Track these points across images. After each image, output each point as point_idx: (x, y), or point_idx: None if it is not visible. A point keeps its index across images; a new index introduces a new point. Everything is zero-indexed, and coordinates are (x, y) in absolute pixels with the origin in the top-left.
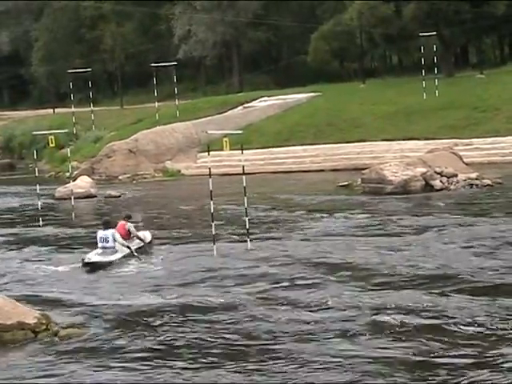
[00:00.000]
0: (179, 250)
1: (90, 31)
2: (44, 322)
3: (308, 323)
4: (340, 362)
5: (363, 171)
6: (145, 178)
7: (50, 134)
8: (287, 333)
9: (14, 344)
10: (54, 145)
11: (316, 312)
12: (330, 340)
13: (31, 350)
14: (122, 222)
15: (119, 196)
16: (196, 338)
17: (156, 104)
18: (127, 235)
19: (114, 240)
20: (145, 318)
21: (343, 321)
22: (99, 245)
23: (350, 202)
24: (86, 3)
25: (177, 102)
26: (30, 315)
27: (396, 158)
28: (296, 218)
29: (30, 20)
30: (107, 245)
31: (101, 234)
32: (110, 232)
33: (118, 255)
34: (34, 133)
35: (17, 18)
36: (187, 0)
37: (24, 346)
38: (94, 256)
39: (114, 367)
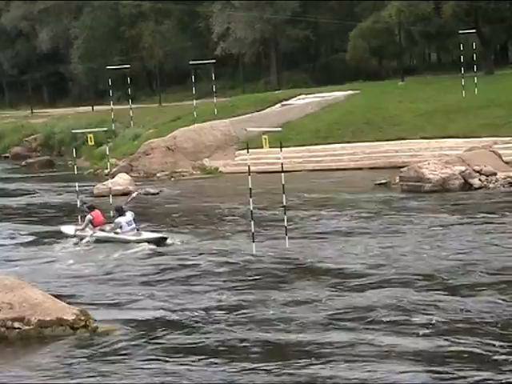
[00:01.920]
0: (218, 247)
1: (129, 29)
2: (83, 318)
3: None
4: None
5: (401, 169)
6: (183, 176)
7: (90, 133)
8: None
9: (53, 340)
10: (92, 143)
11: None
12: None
13: (70, 345)
14: (96, 211)
15: (157, 193)
16: (236, 338)
17: (194, 102)
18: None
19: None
20: (186, 316)
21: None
22: (128, 228)
23: (387, 201)
24: (126, 1)
25: (215, 100)
26: (69, 311)
27: (435, 157)
28: (333, 216)
29: (69, 18)
30: (135, 225)
31: (124, 219)
32: (130, 214)
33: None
34: (73, 131)
35: (57, 16)
36: None
37: (63, 342)
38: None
39: (152, 365)
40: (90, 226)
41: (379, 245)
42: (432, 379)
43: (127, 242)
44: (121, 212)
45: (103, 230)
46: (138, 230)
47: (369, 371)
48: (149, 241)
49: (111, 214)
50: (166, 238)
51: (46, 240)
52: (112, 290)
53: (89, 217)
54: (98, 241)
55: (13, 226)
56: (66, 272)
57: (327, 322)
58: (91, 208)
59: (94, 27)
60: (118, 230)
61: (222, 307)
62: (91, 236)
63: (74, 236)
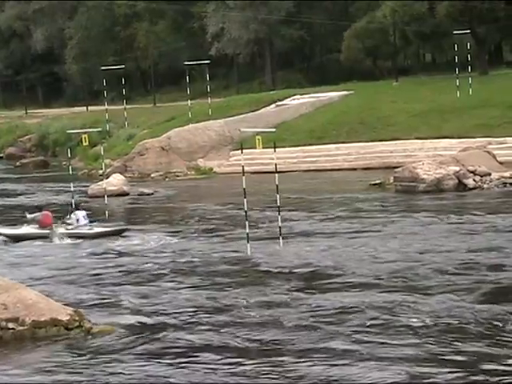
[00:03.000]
0: (212, 248)
1: (123, 29)
2: (77, 318)
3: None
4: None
5: (396, 170)
6: (177, 176)
7: (84, 133)
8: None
9: (48, 340)
10: (87, 143)
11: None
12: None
13: (64, 346)
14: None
15: (151, 194)
16: (231, 337)
17: (189, 102)
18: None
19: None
20: (179, 316)
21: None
22: (85, 221)
23: (382, 201)
24: (120, 2)
25: (209, 100)
26: (63, 312)
27: (429, 157)
28: (328, 217)
29: (64, 18)
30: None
31: (81, 213)
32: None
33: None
34: (69, 131)
35: (51, 16)
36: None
37: (57, 343)
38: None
39: (145, 366)
40: (36, 225)
41: (372, 245)
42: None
43: (89, 236)
44: (77, 207)
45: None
46: (91, 225)
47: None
48: (109, 234)
49: (106, 214)
50: (124, 230)
51: (38, 241)
52: (104, 290)
53: (37, 215)
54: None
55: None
56: (60, 272)
57: (316, 323)
58: (40, 209)
59: (89, 27)
60: (75, 223)
61: (216, 307)
62: (54, 233)
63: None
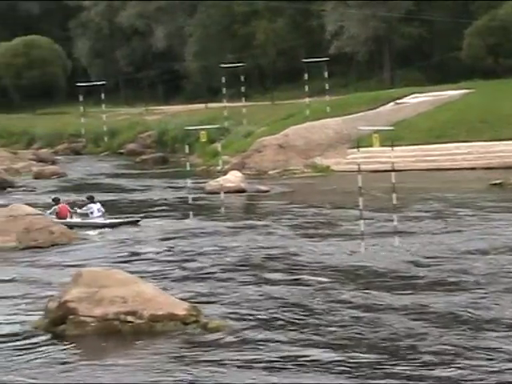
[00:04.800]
0: (325, 246)
1: (242, 27)
2: (194, 313)
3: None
4: None
5: None
6: (294, 174)
7: (202, 129)
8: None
9: (165, 334)
10: (205, 139)
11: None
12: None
13: (181, 341)
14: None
15: (268, 191)
16: (348, 337)
17: (307, 99)
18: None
19: None
20: (296, 314)
21: None
22: (98, 214)
23: (502, 201)
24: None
25: (327, 98)
26: (180, 306)
27: None
28: (445, 216)
29: (184, 16)
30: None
31: (95, 206)
32: (99, 204)
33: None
34: (187, 128)
35: (171, 14)
36: None
37: (174, 337)
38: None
39: (260, 364)
40: (54, 216)
41: (494, 245)
42: None
43: (103, 226)
44: (92, 200)
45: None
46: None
47: None
48: (123, 224)
49: (222, 210)
50: (138, 221)
51: (158, 234)
52: (216, 285)
53: (55, 208)
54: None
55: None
56: (178, 266)
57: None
58: (57, 201)
59: (208, 25)
60: (90, 215)
61: (333, 307)
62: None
63: None
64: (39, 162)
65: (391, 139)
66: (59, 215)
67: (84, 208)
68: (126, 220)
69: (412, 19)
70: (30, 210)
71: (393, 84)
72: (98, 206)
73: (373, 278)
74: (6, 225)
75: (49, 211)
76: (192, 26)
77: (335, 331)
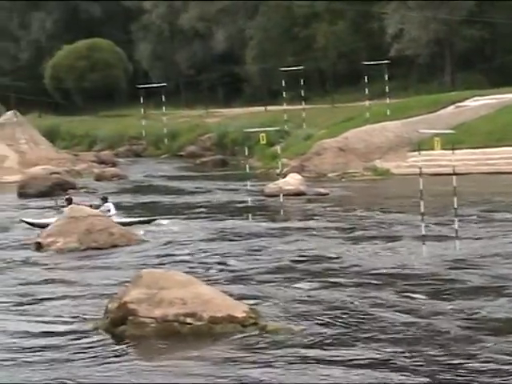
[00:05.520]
0: (385, 249)
1: (303, 29)
2: (252, 315)
3: None
4: None
5: None
6: (353, 177)
7: (262, 132)
8: None
9: (224, 336)
10: (265, 142)
11: None
12: None
13: (240, 343)
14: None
15: (327, 194)
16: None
17: (367, 102)
18: None
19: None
20: (350, 317)
21: None
22: (115, 212)
23: None
24: (300, 2)
25: (388, 101)
26: (239, 309)
27: None
28: (506, 221)
29: (244, 19)
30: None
31: (112, 205)
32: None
33: None
34: (246, 130)
35: (232, 17)
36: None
37: (233, 340)
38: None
39: (321, 367)
40: None
41: None
42: None
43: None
44: (106, 200)
45: None
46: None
47: None
48: (139, 223)
49: (281, 212)
50: (153, 220)
51: (214, 237)
52: (274, 286)
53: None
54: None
55: (184, 224)
56: (235, 268)
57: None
58: (69, 200)
59: (269, 28)
60: (108, 213)
61: (386, 310)
62: None
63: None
64: (100, 163)
65: (452, 142)
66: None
67: (102, 208)
68: (141, 220)
69: (474, 21)
70: (90, 211)
71: (454, 87)
72: (112, 205)
73: (433, 283)
74: (67, 226)
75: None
76: (252, 28)
77: (389, 337)
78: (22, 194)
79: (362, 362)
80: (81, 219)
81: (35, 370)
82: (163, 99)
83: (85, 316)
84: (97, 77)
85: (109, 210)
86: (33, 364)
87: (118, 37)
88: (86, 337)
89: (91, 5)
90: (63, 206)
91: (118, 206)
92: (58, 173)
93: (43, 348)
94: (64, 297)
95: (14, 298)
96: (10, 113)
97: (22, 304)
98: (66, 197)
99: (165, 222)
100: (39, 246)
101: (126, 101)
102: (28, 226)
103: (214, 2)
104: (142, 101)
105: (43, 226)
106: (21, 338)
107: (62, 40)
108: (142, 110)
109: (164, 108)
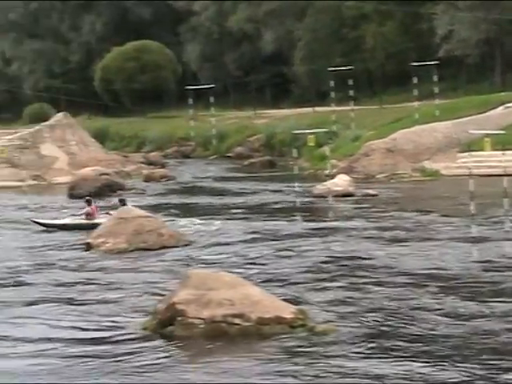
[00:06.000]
0: (434, 251)
1: (351, 31)
2: (300, 317)
3: None
4: None
5: None
6: (402, 178)
7: (311, 133)
8: None
9: (272, 337)
10: (313, 143)
11: None
12: None
13: (288, 344)
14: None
15: (376, 195)
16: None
17: (416, 103)
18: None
19: None
20: (396, 321)
21: None
22: None
23: None
24: (349, 2)
25: (437, 102)
26: (287, 310)
27: None
28: None
29: (292, 20)
30: None
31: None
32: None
33: None
34: (295, 131)
35: (280, 18)
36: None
37: (281, 341)
38: None
39: (371, 367)
40: (83, 217)
41: None
42: None
43: None
44: (124, 202)
45: None
46: None
47: None
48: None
49: (329, 213)
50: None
51: (261, 238)
52: (321, 287)
53: (88, 209)
54: None
55: (232, 225)
56: (284, 269)
57: None
58: (89, 202)
59: (317, 29)
60: None
61: (432, 313)
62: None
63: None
64: (149, 165)
65: (502, 143)
66: (89, 216)
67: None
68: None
69: None
70: (139, 212)
71: (504, 87)
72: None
73: (480, 286)
74: (116, 227)
75: (80, 212)
76: (301, 29)
77: (438, 341)
78: (72, 195)
79: (413, 364)
80: (130, 220)
81: (84, 371)
82: (212, 100)
83: (133, 317)
84: (146, 78)
85: None
86: (81, 364)
87: (167, 38)
88: (134, 337)
89: (141, 7)
90: (89, 203)
91: (163, 207)
92: (107, 174)
93: (92, 348)
94: (113, 297)
95: (63, 298)
96: (60, 115)
97: (71, 304)
98: (87, 198)
99: (217, 222)
100: (89, 247)
101: (174, 102)
102: (41, 226)
103: (263, 3)
104: (190, 102)
105: (55, 227)
106: (68, 339)
107: (112, 42)
108: (191, 111)
109: (212, 109)
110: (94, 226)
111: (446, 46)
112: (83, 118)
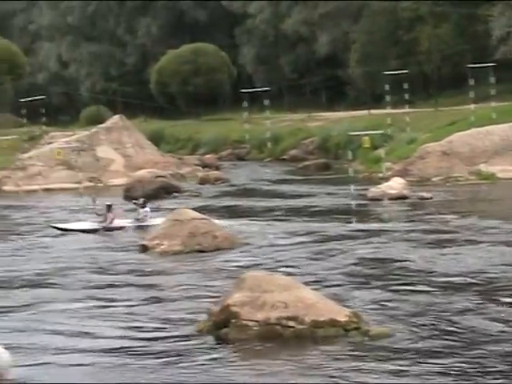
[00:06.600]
0: (480, 253)
1: (406, 33)
2: (355, 320)
3: None
4: None
5: None
6: (458, 181)
7: (366, 135)
8: None
9: (326, 340)
10: (368, 146)
11: None
12: None
13: (342, 348)
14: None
15: (431, 198)
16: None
17: (472, 106)
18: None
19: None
20: (451, 324)
21: None
22: (152, 215)
23: None
24: (405, 4)
25: (493, 104)
26: (341, 313)
27: None
28: None
29: (348, 22)
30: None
31: (148, 210)
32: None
33: None
34: (350, 133)
35: (336, 21)
36: (506, 0)
37: (336, 344)
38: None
39: (426, 370)
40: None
41: None
42: None
43: None
44: (143, 204)
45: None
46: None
47: None
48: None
49: (384, 216)
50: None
51: (314, 239)
52: (384, 290)
53: (111, 215)
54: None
55: (286, 227)
56: (336, 272)
57: None
58: (110, 207)
59: (373, 31)
60: (145, 218)
61: (485, 317)
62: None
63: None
64: (204, 167)
65: None
66: (111, 220)
67: (142, 211)
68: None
69: None
70: (194, 214)
71: None
72: (149, 209)
73: None
74: (171, 229)
75: (107, 221)
76: (356, 32)
77: (491, 344)
78: (128, 197)
79: (465, 369)
80: (185, 222)
81: (139, 373)
82: (266, 103)
83: (188, 318)
84: (201, 81)
85: (146, 215)
86: (137, 367)
87: (222, 41)
88: (189, 339)
89: (196, 9)
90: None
91: (217, 209)
92: (163, 176)
93: (147, 349)
94: (168, 299)
95: (120, 299)
96: (116, 117)
97: (127, 306)
98: (108, 203)
99: (271, 224)
100: (144, 249)
101: (229, 105)
102: (59, 231)
103: (318, 5)
104: (245, 105)
105: (72, 231)
106: (125, 340)
107: (167, 44)
108: (246, 113)
109: (267, 112)
110: (110, 230)
111: (504, 48)
112: (139, 120)
